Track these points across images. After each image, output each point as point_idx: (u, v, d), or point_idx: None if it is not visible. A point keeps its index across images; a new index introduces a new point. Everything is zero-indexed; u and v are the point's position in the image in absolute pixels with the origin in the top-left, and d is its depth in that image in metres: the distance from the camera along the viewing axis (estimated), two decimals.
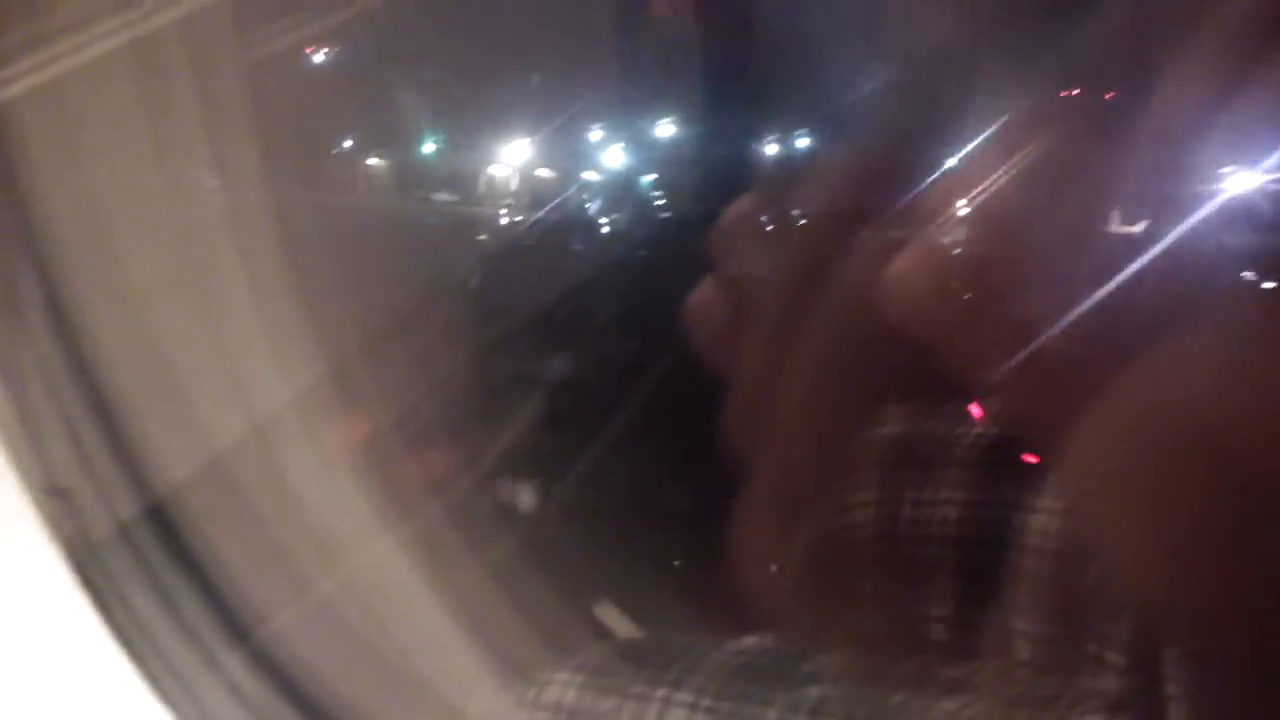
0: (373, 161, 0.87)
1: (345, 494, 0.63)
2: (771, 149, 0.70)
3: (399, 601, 0.61)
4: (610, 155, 0.82)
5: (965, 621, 0.50)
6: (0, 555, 0.57)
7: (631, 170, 0.80)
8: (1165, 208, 0.40)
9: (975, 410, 0.51)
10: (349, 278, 0.69)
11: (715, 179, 0.74)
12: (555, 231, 0.83)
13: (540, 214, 0.84)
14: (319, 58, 0.76)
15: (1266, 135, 0.39)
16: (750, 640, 0.53)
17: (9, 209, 0.59)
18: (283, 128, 0.66)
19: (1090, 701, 0.45)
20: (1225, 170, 0.39)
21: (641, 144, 0.80)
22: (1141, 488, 0.39)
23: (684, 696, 0.50)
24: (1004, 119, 0.43)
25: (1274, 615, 0.38)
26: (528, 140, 0.85)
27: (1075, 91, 0.44)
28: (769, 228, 0.55)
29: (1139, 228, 0.40)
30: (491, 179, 0.86)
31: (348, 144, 0.85)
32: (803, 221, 0.54)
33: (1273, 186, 0.39)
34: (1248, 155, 0.39)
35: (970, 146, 0.44)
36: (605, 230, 0.83)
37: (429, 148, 0.87)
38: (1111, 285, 0.40)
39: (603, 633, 0.66)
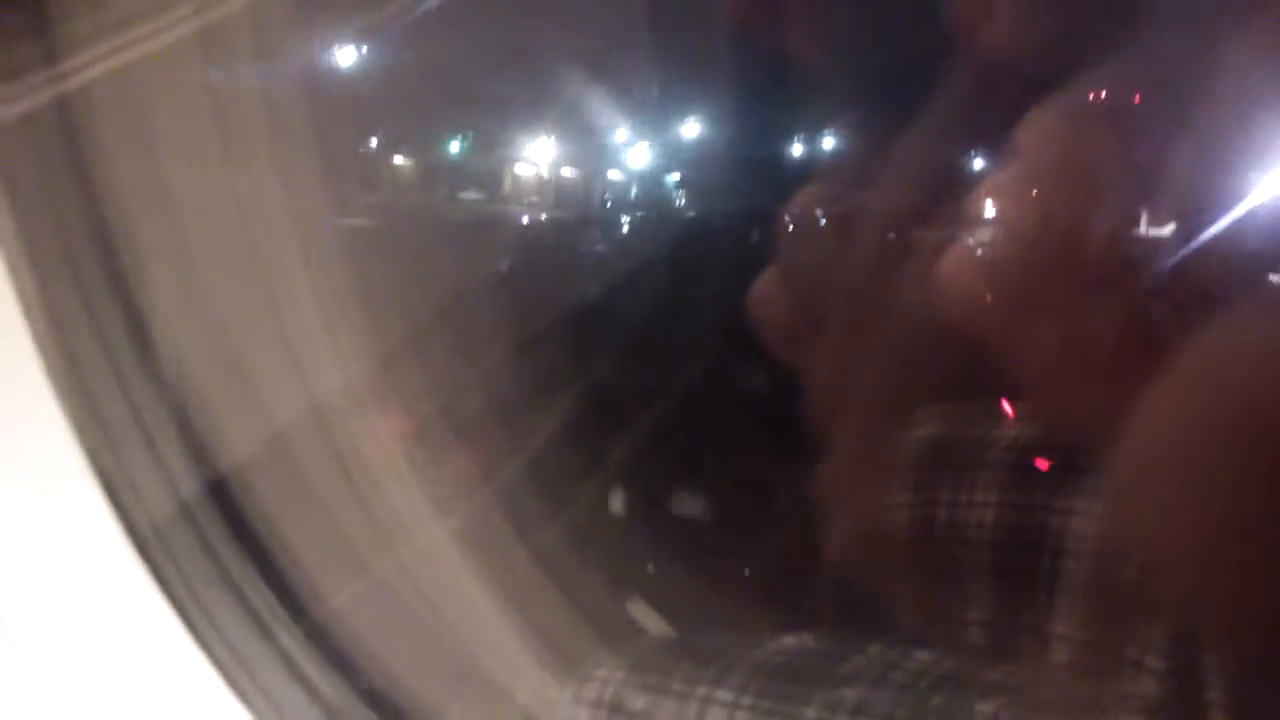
0: (408, 163, 0.89)
1: (401, 479, 0.64)
2: (830, 142, 0.70)
3: (452, 585, 0.62)
4: (692, 151, 0.82)
5: (1003, 624, 0.49)
6: (63, 535, 0.58)
7: (711, 164, 0.80)
8: (1213, 203, 0.40)
9: (1010, 411, 0.51)
10: (401, 272, 0.69)
11: (767, 175, 0.74)
12: (609, 228, 0.83)
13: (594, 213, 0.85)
14: (366, 55, 0.76)
15: None
16: (789, 640, 0.53)
17: (79, 196, 0.60)
18: (340, 126, 0.67)
19: (1128, 705, 0.45)
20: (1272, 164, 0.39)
21: (722, 139, 0.80)
22: (1192, 478, 0.39)
23: (724, 695, 0.50)
24: (1059, 116, 0.43)
25: None
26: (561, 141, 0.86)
27: (1130, 90, 0.44)
28: (832, 221, 0.55)
29: (1188, 224, 0.40)
30: (553, 180, 0.87)
31: (397, 144, 0.87)
32: (865, 216, 0.55)
33: None
34: None
35: (1025, 145, 0.44)
36: (679, 221, 0.83)
37: (489, 152, 0.88)
38: (1160, 280, 0.40)
39: (642, 628, 0.67)
